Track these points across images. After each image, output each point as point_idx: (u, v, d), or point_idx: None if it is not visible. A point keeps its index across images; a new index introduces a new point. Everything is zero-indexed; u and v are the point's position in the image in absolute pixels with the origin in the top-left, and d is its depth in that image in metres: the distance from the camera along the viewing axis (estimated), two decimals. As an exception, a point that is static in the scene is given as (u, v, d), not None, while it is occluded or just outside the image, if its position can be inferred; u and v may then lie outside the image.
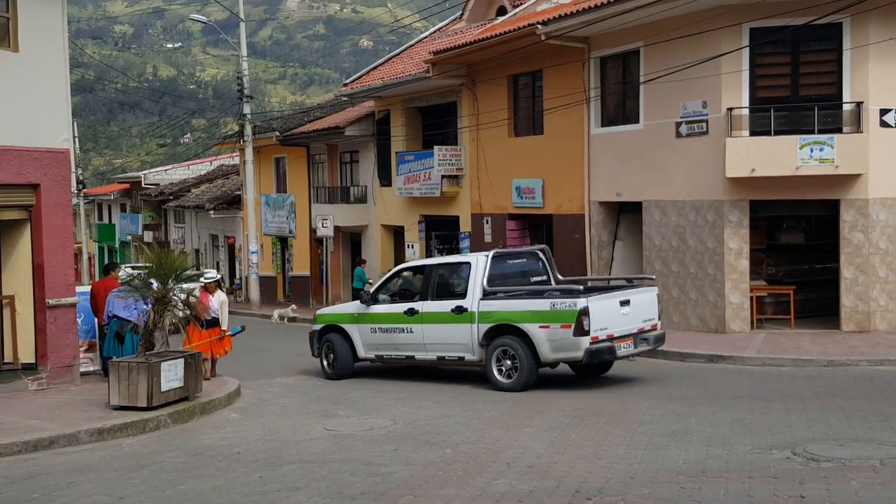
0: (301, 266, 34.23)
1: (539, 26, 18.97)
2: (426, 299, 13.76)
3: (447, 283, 13.89)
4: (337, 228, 29.33)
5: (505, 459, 8.39)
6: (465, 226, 24.71)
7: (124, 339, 13.26)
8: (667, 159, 18.02)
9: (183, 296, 12.21)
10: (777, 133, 16.36)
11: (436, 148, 24.48)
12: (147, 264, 12.52)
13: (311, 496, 7.35)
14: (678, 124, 17.62)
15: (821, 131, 16.11)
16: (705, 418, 9.96)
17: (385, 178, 28.26)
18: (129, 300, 12.44)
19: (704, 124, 17.13)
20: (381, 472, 8.07)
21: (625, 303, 12.71)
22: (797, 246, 19.22)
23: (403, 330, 13.92)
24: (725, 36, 16.40)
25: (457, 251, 25.54)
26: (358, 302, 14.87)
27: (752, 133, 16.65)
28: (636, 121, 18.84)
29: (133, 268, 22.51)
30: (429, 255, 26.76)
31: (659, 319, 13.37)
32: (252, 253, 32.35)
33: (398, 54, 30.44)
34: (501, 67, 22.11)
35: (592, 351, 12.17)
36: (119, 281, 13.97)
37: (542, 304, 12.53)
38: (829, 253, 17.49)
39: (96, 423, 10.28)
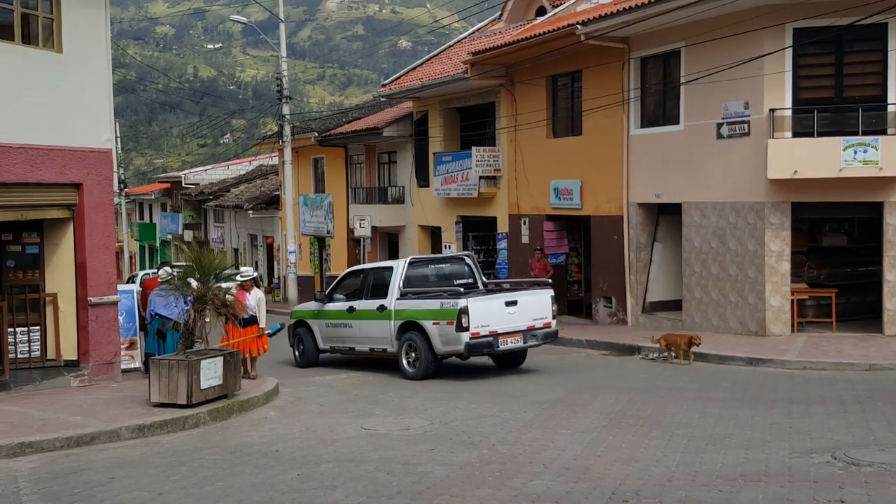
0: (338, 266, 34.35)
1: (579, 26, 18.90)
2: (362, 298, 15.69)
3: (378, 285, 15.61)
4: (374, 229, 29.42)
5: (541, 461, 8.36)
6: (503, 227, 24.67)
7: (166, 336, 13.45)
8: (707, 161, 17.85)
9: (222, 294, 12.30)
10: (820, 134, 16.15)
11: (474, 149, 24.47)
12: (185, 263, 12.66)
13: (348, 494, 7.38)
14: (719, 125, 17.46)
15: (865, 133, 15.87)
16: (744, 422, 9.86)
17: (423, 179, 28.31)
18: (169, 298, 12.61)
19: (746, 125, 16.95)
20: (417, 471, 8.08)
21: (511, 303, 14.23)
22: (840, 248, 18.95)
23: (346, 325, 15.92)
24: (768, 36, 16.22)
25: (494, 252, 25.55)
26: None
27: (795, 134, 16.44)
28: (676, 122, 18.69)
29: (172, 267, 22.93)
30: (466, 255, 26.74)
31: (553, 319, 14.85)
32: (290, 253, 32.56)
33: (437, 55, 30.47)
34: (540, 68, 22.05)
35: (471, 345, 13.83)
36: (160, 279, 14.16)
37: (434, 304, 14.21)
38: (872, 256, 17.22)
39: (137, 419, 10.40)
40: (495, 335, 13.92)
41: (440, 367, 14.46)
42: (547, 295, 14.91)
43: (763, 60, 16.20)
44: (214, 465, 8.64)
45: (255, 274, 14.69)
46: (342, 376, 14.76)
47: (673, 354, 15.17)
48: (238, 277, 14.08)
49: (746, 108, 16.90)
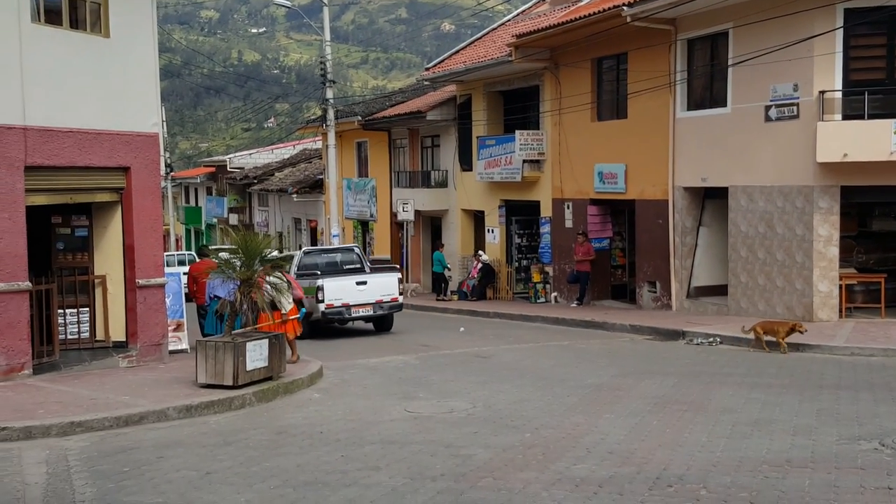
0: (382, 250, 34.52)
1: (625, 8, 18.69)
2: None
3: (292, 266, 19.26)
4: (417, 212, 29.48)
5: (585, 445, 8.34)
6: (546, 211, 24.57)
7: (224, 317, 13.62)
8: (755, 144, 17.61)
9: (273, 279, 12.43)
10: (871, 117, 15.84)
11: (517, 132, 24.37)
12: (229, 246, 12.80)
13: (392, 476, 7.43)
14: (767, 108, 17.20)
15: (917, 115, 15.54)
16: (790, 408, 9.74)
17: (466, 163, 28.27)
18: (219, 279, 12.76)
19: (795, 108, 16.68)
20: (460, 454, 8.10)
21: (361, 283, 18.59)
22: (889, 233, 18.60)
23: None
24: (818, 17, 15.92)
25: (537, 236, 25.48)
26: None
27: (845, 117, 16.15)
28: (724, 104, 18.44)
29: (216, 250, 23.37)
30: (508, 240, 26.74)
31: (400, 294, 19.20)
32: (334, 236, 32.73)
33: (480, 38, 30.35)
34: (585, 50, 21.88)
35: (326, 313, 18.33)
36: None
37: (309, 283, 17.85)
38: (924, 241, 16.89)
39: (184, 400, 10.55)
40: (347, 306, 18.43)
41: (341, 332, 19.28)
42: (393, 277, 19.42)
43: (813, 41, 15.91)
44: (260, 446, 8.74)
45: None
46: (385, 359, 14.83)
47: (765, 343, 14.24)
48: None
49: (795, 90, 16.62)
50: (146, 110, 13.84)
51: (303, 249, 19.86)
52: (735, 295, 18.31)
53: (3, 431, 9.15)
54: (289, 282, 13.83)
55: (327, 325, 19.28)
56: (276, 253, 14.93)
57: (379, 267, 21.80)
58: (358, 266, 20.48)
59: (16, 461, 8.32)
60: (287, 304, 13.57)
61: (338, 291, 18.33)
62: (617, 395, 10.84)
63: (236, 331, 11.77)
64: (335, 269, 20.04)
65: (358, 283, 18.61)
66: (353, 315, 18.61)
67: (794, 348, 14.18)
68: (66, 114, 12.55)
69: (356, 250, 21.56)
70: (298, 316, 14.13)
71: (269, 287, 12.39)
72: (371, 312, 18.84)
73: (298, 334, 14.17)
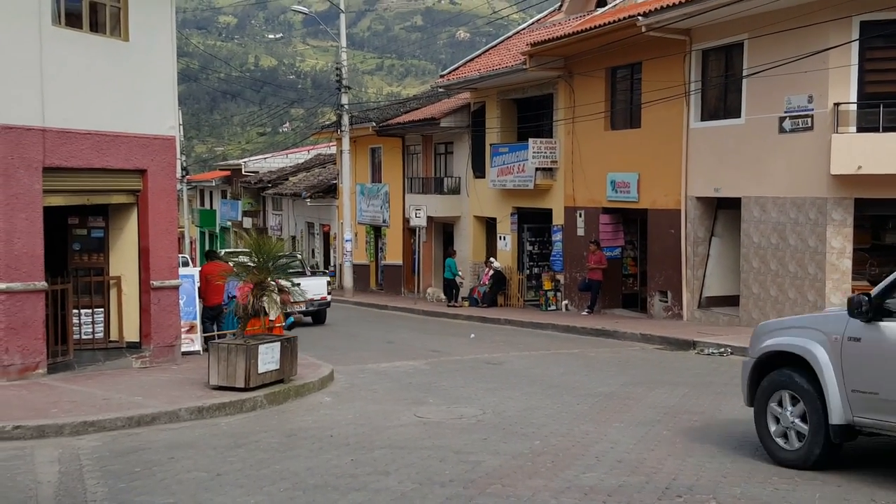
0: (394, 255, 34.60)
1: (640, 18, 18.72)
2: None
3: None
4: (430, 219, 29.54)
5: (594, 453, 8.36)
6: (558, 219, 24.59)
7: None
8: (768, 155, 17.59)
9: (284, 283, 12.46)
10: (886, 129, 15.81)
11: (530, 140, 24.41)
12: (242, 249, 12.85)
13: (402, 481, 7.46)
14: (782, 119, 17.18)
15: (933, 128, 15.50)
16: (802, 420, 9.72)
17: (479, 170, 28.32)
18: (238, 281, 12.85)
19: (809, 119, 16.66)
20: (469, 460, 8.13)
21: (296, 284, 19.05)
22: (904, 246, 18.51)
23: None
24: (834, 29, 15.91)
25: (549, 244, 25.50)
26: None
27: (860, 129, 16.12)
28: (738, 115, 18.44)
29: (228, 253, 24.46)
30: (520, 247, 26.77)
31: (329, 294, 23.46)
32: (346, 241, 32.85)
33: (495, 46, 30.44)
34: (599, 60, 21.91)
35: None
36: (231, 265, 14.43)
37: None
38: (938, 255, 16.81)
39: (196, 401, 10.62)
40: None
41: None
42: (323, 280, 24.07)
43: (828, 53, 15.90)
44: (270, 448, 8.79)
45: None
46: (396, 364, 14.87)
47: None
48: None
49: (810, 101, 16.60)
50: (163, 114, 13.94)
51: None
52: (746, 306, 18.28)
53: (17, 430, 9.23)
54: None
55: None
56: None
57: (314, 272, 27.65)
58: (300, 270, 23.42)
59: (29, 459, 8.39)
60: (273, 312, 12.95)
61: None
62: (627, 404, 10.85)
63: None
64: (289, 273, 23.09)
65: (293, 285, 20.36)
66: (288, 310, 20.47)
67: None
68: (85, 116, 12.66)
69: (298, 257, 27.38)
70: (284, 324, 13.86)
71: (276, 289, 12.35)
72: (303, 308, 21.78)
73: None
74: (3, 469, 8.04)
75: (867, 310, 7.31)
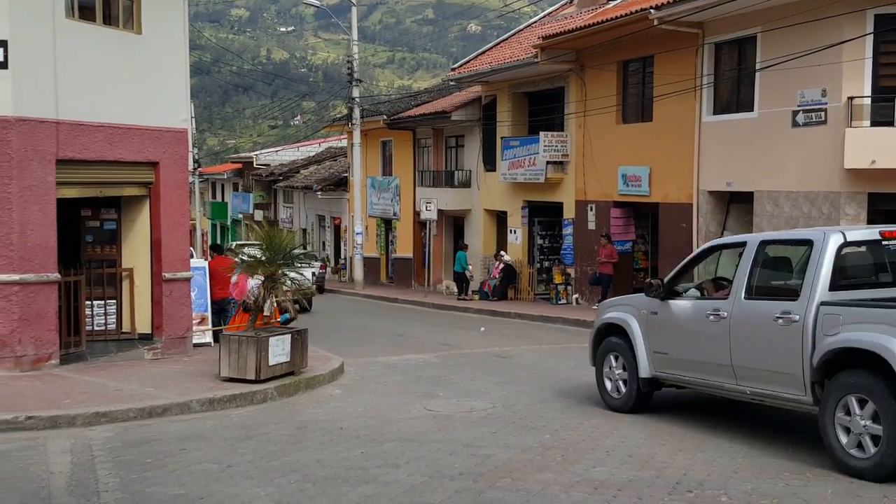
0: (404, 248, 34.62)
1: (652, 11, 18.65)
2: None
3: None
4: (440, 212, 29.54)
5: (604, 447, 8.36)
6: (569, 212, 24.56)
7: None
8: (781, 149, 17.52)
9: (294, 275, 12.45)
10: (900, 124, 15.71)
11: (541, 134, 24.37)
12: (251, 243, 12.80)
13: (411, 474, 7.48)
14: (795, 113, 17.10)
15: (947, 122, 15.40)
16: (813, 417, 9.69)
17: (490, 163, 28.29)
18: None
19: (823, 113, 16.58)
20: (479, 453, 8.14)
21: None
22: (917, 242, 18.42)
23: None
24: (848, 22, 15.80)
25: (559, 238, 25.47)
26: None
27: (874, 123, 16.02)
28: (750, 109, 18.36)
29: (238, 245, 24.42)
30: (531, 241, 26.75)
31: (314, 285, 23.23)
32: (357, 234, 32.88)
33: (506, 39, 30.38)
34: (611, 53, 21.84)
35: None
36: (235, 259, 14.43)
37: None
38: (951, 250, 16.70)
39: (207, 393, 10.65)
40: None
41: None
42: (307, 270, 22.79)
43: (842, 47, 15.80)
44: (281, 440, 8.82)
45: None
46: (406, 357, 14.89)
47: None
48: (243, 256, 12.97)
49: (824, 95, 16.52)
50: (176, 106, 13.97)
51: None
52: (758, 301, 18.19)
53: (30, 420, 9.29)
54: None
55: None
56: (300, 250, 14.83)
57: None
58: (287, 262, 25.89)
59: (41, 450, 8.44)
60: (269, 307, 12.62)
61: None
62: (637, 399, 10.82)
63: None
64: None
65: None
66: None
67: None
68: (98, 108, 12.69)
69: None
70: (280, 319, 13.45)
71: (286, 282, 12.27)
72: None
73: None
74: (16, 459, 8.09)
75: (660, 292, 9.68)
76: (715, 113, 19.45)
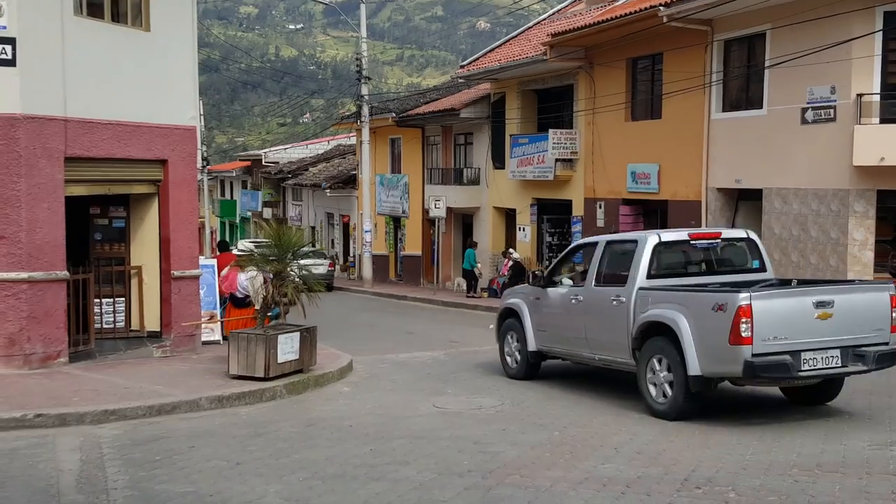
0: (413, 246, 34.62)
1: (661, 8, 18.60)
2: None
3: None
4: (449, 209, 29.54)
5: (613, 444, 8.35)
6: (578, 210, 24.52)
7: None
8: (790, 146, 17.46)
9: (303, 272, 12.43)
10: (910, 120, 15.65)
11: (550, 131, 24.34)
12: (260, 240, 12.75)
13: (420, 471, 7.48)
14: (804, 110, 17.04)
15: (958, 119, 15.32)
16: (822, 411, 9.67)
17: (498, 161, 28.27)
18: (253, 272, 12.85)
19: (832, 110, 16.51)
20: (488, 450, 8.14)
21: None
22: (927, 239, 18.35)
23: None
24: (857, 19, 15.74)
25: (569, 236, 25.43)
26: None
27: (883, 120, 15.96)
28: (759, 106, 18.30)
29: (250, 243, 24.23)
30: (540, 239, 26.72)
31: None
32: (366, 231, 32.90)
33: (515, 36, 30.33)
34: (620, 50, 21.79)
35: None
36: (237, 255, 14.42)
37: None
38: (962, 247, 16.66)
39: (216, 390, 10.67)
40: None
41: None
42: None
43: (851, 44, 15.73)
44: (290, 438, 8.83)
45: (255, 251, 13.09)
46: (414, 355, 14.90)
47: None
48: (235, 251, 13.04)
49: (833, 92, 16.45)
50: (184, 104, 14.00)
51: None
52: (768, 298, 18.15)
53: (39, 418, 9.32)
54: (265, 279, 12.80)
55: None
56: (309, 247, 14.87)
57: None
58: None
59: (50, 448, 8.46)
60: (260, 300, 12.45)
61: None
62: (646, 396, 10.80)
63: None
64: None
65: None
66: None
67: (827, 353, 14.03)
68: (106, 106, 12.72)
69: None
70: (270, 314, 12.90)
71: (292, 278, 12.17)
72: None
73: None
74: (25, 457, 8.12)
75: (542, 281, 12.01)
76: (724, 110, 19.39)
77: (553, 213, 26.44)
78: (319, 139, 55.69)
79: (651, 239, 10.44)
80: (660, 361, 9.63)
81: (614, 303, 10.36)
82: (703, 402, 9.55)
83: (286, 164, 50.23)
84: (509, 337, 12.52)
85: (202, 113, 36.46)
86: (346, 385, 11.94)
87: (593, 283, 10.94)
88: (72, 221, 12.62)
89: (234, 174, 59.80)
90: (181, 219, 13.89)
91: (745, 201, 19.46)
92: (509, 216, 28.61)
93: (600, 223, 23.39)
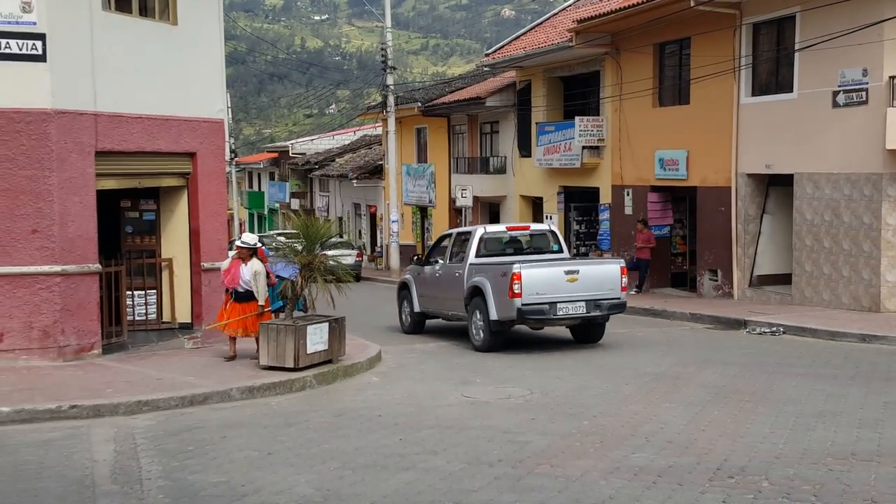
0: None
1: (688, -8, 18.41)
2: None
3: None
4: (476, 198, 29.48)
5: (643, 433, 8.31)
6: (606, 198, 24.39)
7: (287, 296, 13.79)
8: (821, 130, 17.25)
9: (331, 262, 12.48)
10: (944, 102, 15.39)
11: (577, 118, 24.20)
12: (290, 231, 12.74)
13: (450, 461, 7.48)
14: (835, 93, 16.82)
15: None
16: (856, 400, 9.57)
17: (525, 149, 28.16)
18: (282, 262, 12.89)
19: (864, 93, 16.29)
20: (518, 440, 8.13)
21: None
22: (963, 223, 18.09)
23: None
24: (888, 0, 15.49)
25: (596, 223, 25.31)
26: None
27: (916, 103, 15.71)
28: (790, 90, 18.09)
29: (278, 234, 24.12)
30: (567, 227, 26.61)
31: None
32: (393, 222, 32.91)
33: (541, 23, 30.15)
34: (647, 35, 21.61)
35: None
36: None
37: None
38: None
39: (247, 381, 10.74)
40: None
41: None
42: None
43: (882, 25, 15.50)
44: (320, 428, 8.87)
45: (257, 244, 12.47)
46: (442, 344, 14.92)
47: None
48: (238, 242, 12.31)
49: (864, 75, 16.22)
50: (212, 97, 14.07)
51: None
52: (799, 284, 18.00)
53: (74, 409, 9.43)
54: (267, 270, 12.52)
55: None
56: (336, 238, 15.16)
57: None
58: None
59: (85, 439, 8.57)
60: (264, 294, 12.19)
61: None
62: (676, 384, 10.76)
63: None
64: None
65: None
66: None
67: (861, 339, 13.92)
68: (135, 100, 12.81)
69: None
70: (271, 308, 12.70)
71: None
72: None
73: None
74: (60, 448, 8.22)
75: (421, 262, 16.61)
76: (753, 94, 19.19)
77: (580, 201, 26.30)
78: (345, 130, 55.75)
79: (479, 230, 15.47)
80: (479, 312, 13.93)
81: (457, 275, 14.93)
82: (504, 339, 14.03)
83: (313, 156, 50.35)
84: (404, 303, 16.57)
85: (229, 105, 36.64)
86: (375, 375, 11.98)
87: (448, 261, 15.57)
88: (103, 215, 12.74)
89: (262, 166, 60.05)
90: (210, 211, 13.98)
91: (775, 187, 19.26)
92: (536, 204, 28.51)
93: (628, 210, 23.26)
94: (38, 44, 11.61)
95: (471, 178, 30.27)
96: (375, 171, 39.89)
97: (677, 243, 23.42)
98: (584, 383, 11.05)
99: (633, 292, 22.30)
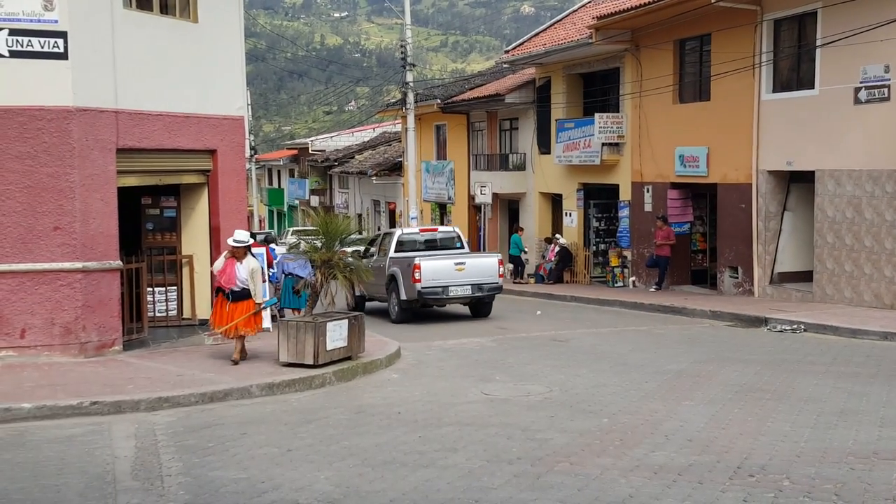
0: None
1: (709, -12, 18.31)
2: None
3: None
4: (495, 195, 29.44)
5: (663, 431, 8.27)
6: (625, 194, 24.30)
7: (300, 293, 13.90)
8: (843, 127, 17.11)
9: (350, 259, 12.53)
10: (968, 98, 15.23)
11: (596, 115, 24.12)
12: (309, 228, 12.83)
13: (469, 458, 7.48)
14: (857, 90, 16.68)
15: None
16: (878, 398, 9.49)
17: (544, 146, 28.10)
18: (300, 260, 12.95)
19: (886, 90, 16.14)
20: (537, 437, 8.12)
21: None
22: None
23: None
24: (913, -6, 15.36)
25: (615, 220, 25.23)
26: None
27: (940, 99, 15.56)
28: (811, 86, 17.95)
29: (296, 231, 24.37)
30: (587, 224, 26.55)
31: None
32: (412, 218, 32.90)
33: (560, 20, 30.08)
34: (667, 32, 21.51)
35: None
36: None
37: None
38: None
39: (266, 378, 10.79)
40: None
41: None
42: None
43: (907, 21, 15.36)
44: (340, 425, 8.89)
45: (250, 241, 12.31)
46: (462, 341, 14.91)
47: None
48: (230, 241, 11.97)
49: (887, 71, 16.08)
50: (232, 94, 14.13)
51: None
52: (820, 281, 17.87)
53: (95, 405, 9.50)
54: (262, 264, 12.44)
55: None
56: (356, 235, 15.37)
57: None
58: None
59: (106, 434, 8.63)
60: (261, 292, 12.07)
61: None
62: (697, 382, 10.71)
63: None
64: None
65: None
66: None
67: (883, 337, 13.80)
68: (156, 97, 12.89)
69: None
70: (263, 306, 12.29)
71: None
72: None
73: (261, 331, 12.47)
74: (81, 443, 8.29)
75: (361, 256, 17.53)
76: (774, 91, 19.06)
77: (600, 198, 26.23)
78: (365, 127, 55.81)
79: (398, 232, 19.72)
80: (394, 294, 17.90)
81: (381, 266, 18.44)
82: (412, 314, 18.06)
83: (332, 152, 50.44)
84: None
85: (249, 102, 36.75)
86: (395, 372, 11.99)
87: (377, 255, 19.22)
88: (124, 212, 12.83)
89: (282, 163, 60.22)
90: (230, 207, 14.04)
91: (796, 184, 19.14)
92: (555, 201, 28.45)
93: (648, 208, 23.17)
94: (60, 42, 11.69)
95: (490, 175, 30.24)
96: (395, 168, 39.91)
97: (697, 240, 23.33)
98: (604, 381, 11.02)
99: (652, 289, 22.27)
